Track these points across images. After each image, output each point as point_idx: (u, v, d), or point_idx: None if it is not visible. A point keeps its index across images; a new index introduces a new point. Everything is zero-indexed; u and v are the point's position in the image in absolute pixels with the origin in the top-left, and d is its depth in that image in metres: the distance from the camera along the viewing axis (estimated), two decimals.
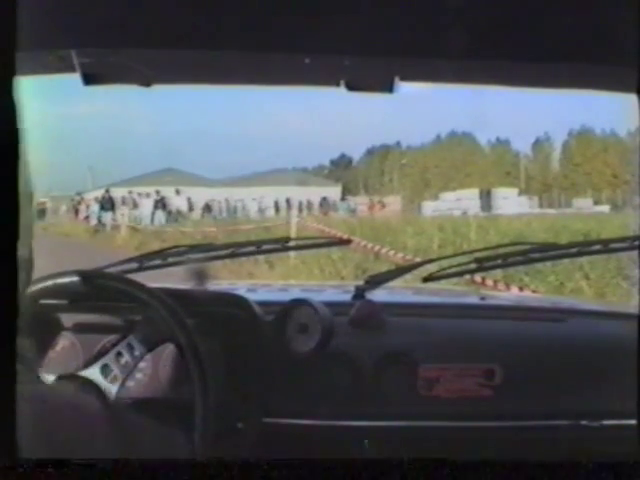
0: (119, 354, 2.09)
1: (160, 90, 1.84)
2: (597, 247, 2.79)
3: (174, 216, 37.90)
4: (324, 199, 59.79)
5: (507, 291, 9.20)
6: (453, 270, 2.75)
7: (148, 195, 40.35)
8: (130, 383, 2.27)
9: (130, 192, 41.43)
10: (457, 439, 2.46)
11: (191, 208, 45.95)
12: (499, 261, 2.71)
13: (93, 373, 2.05)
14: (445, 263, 2.87)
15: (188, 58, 1.59)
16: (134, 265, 2.69)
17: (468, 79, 1.83)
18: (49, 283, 2.08)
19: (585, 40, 1.42)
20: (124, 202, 37.64)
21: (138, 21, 1.37)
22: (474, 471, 1.30)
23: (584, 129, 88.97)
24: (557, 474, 1.31)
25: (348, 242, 3.73)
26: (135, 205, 38.48)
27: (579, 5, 1.29)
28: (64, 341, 2.46)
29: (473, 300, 3.36)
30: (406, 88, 1.78)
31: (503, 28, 1.41)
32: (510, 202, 55.29)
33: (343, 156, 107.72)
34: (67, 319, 2.46)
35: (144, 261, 2.72)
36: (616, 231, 13.96)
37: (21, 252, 0.87)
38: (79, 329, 2.47)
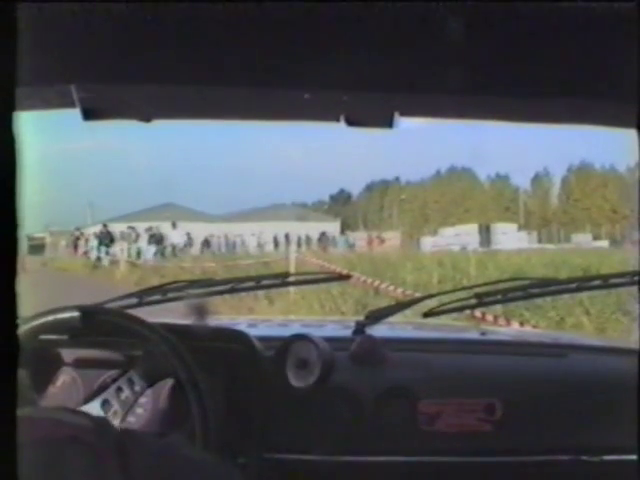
0: (119, 389, 2.09)
1: (160, 125, 1.84)
2: (597, 282, 2.78)
3: (169, 251, 37.68)
4: (323, 234, 60.00)
5: (507, 326, 9.20)
6: (453, 305, 2.74)
7: (147, 230, 40.38)
8: (131, 418, 2.26)
9: (129, 227, 41.45)
10: (458, 474, 2.45)
11: (190, 243, 46.00)
12: (499, 296, 2.71)
13: (94, 408, 2.04)
14: (445, 298, 2.86)
15: (188, 94, 1.59)
16: (134, 300, 2.69)
17: (468, 114, 1.83)
18: (49, 318, 2.08)
19: (584, 75, 1.42)
20: (122, 237, 37.61)
21: (138, 57, 1.37)
22: None
23: (583, 164, 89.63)
24: None
25: (348, 277, 3.73)
26: (131, 240, 38.37)
27: (578, 41, 1.29)
28: (64, 376, 2.46)
29: (473, 335, 3.36)
30: (406, 123, 1.78)
31: (503, 64, 1.42)
32: (509, 237, 55.52)
33: (342, 191, 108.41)
34: (67, 354, 2.46)
35: (144, 296, 2.72)
36: (615, 266, 13.97)
37: None
38: (79, 364, 2.46)
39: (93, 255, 35.02)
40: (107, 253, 33.34)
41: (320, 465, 2.40)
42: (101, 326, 2.19)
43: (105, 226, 36.22)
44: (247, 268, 20.18)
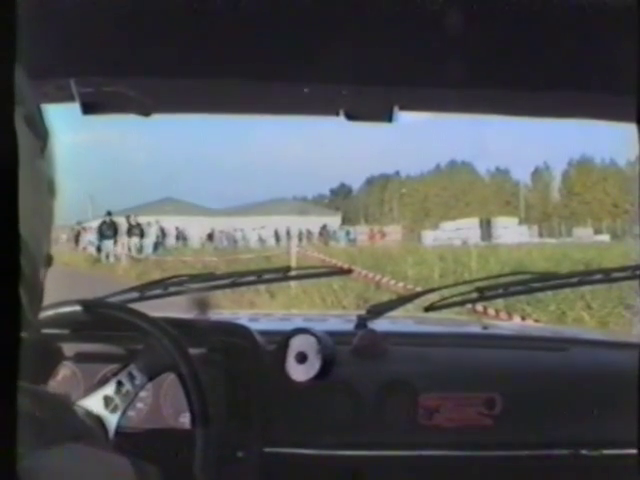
0: (120, 383, 2.08)
1: (160, 119, 1.85)
2: (598, 276, 2.78)
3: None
4: (324, 228, 60.00)
5: (509, 320, 9.20)
6: (454, 299, 2.74)
7: (149, 224, 40.02)
8: (131, 412, 2.26)
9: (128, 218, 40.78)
10: (457, 468, 2.45)
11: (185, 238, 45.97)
12: (500, 290, 2.71)
13: (94, 402, 2.04)
14: (446, 292, 2.86)
15: (187, 87, 1.60)
16: (135, 294, 2.69)
17: (467, 108, 1.83)
18: (50, 312, 2.08)
19: (585, 69, 1.42)
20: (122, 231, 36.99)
21: (137, 50, 1.37)
22: None
23: (584, 158, 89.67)
24: None
25: (349, 272, 3.72)
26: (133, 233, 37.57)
27: (578, 34, 1.29)
28: (65, 370, 2.45)
29: (475, 329, 3.35)
30: (405, 117, 1.78)
31: (502, 58, 1.42)
32: (510, 231, 55.55)
33: (343, 185, 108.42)
34: (68, 348, 2.45)
35: (145, 290, 2.72)
36: (617, 260, 13.98)
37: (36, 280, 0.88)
38: (80, 358, 2.46)
39: (94, 249, 34.70)
40: (109, 246, 32.93)
41: (320, 459, 2.41)
42: (102, 320, 2.19)
43: (109, 214, 35.25)
44: (248, 262, 20.18)
